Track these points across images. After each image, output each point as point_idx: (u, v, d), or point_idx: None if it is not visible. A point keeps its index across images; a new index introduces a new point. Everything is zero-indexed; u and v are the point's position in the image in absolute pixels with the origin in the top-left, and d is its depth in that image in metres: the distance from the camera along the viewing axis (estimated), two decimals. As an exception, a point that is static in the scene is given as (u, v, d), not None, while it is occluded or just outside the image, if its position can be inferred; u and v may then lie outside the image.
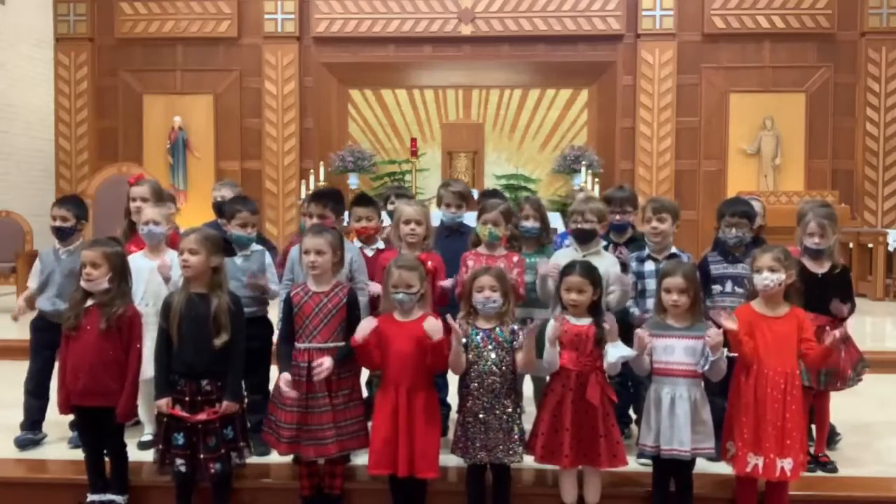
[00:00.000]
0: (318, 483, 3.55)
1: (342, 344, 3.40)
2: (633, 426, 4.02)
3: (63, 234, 4.21)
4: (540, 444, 3.36)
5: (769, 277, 3.30)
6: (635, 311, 3.84)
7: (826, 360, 3.40)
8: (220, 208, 4.49)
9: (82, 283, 3.44)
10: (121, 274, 3.49)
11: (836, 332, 3.28)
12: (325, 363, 3.32)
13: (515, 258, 3.86)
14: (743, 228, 3.89)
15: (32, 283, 4.22)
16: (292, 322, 3.44)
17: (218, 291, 3.38)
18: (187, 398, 3.33)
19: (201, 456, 3.31)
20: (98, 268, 3.42)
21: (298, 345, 3.42)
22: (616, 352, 3.27)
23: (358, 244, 4.13)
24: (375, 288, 3.77)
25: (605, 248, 4.07)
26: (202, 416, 3.29)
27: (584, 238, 3.87)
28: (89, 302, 3.46)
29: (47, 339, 4.05)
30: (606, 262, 3.75)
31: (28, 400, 4.18)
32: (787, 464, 3.24)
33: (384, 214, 4.47)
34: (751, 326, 3.33)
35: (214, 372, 3.35)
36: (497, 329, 3.35)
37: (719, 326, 3.40)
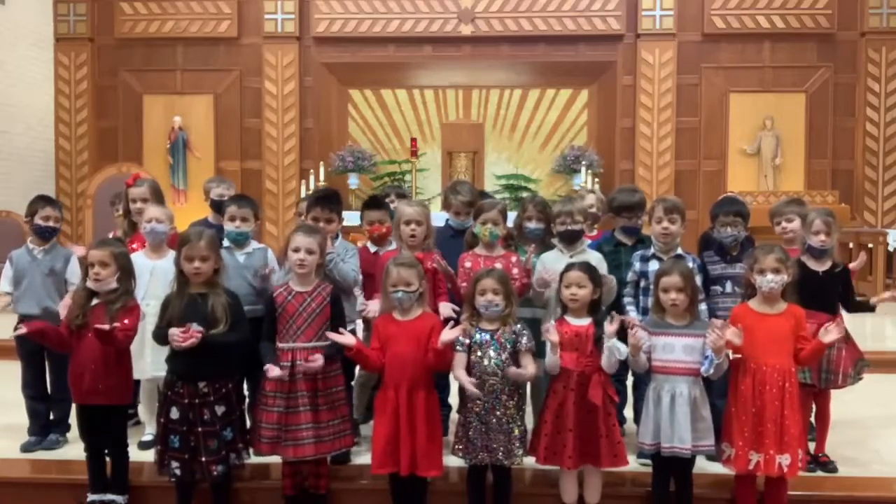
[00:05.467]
0: (301, 483, 3.53)
1: (327, 343, 3.39)
2: (628, 426, 4.03)
3: (50, 234, 4.19)
4: (543, 445, 3.37)
5: (774, 279, 3.31)
6: (633, 310, 3.83)
7: (817, 357, 3.40)
8: (219, 206, 4.49)
9: (90, 284, 3.45)
10: (127, 274, 3.52)
11: (835, 330, 3.29)
12: (318, 360, 3.32)
13: (514, 258, 3.85)
14: (738, 227, 3.91)
15: (6, 286, 4.16)
16: (274, 321, 3.44)
17: (217, 289, 3.40)
18: (186, 400, 3.33)
19: (203, 459, 3.32)
20: (107, 267, 3.43)
21: (282, 344, 3.41)
22: (610, 348, 3.27)
23: (373, 249, 4.11)
24: (374, 307, 3.72)
25: (616, 249, 4.11)
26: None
27: (571, 239, 3.87)
28: (94, 301, 3.46)
29: (35, 345, 4.02)
30: (593, 261, 3.75)
31: (31, 404, 4.18)
32: (784, 460, 3.25)
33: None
34: (748, 325, 3.34)
35: (211, 374, 3.35)
36: (500, 331, 3.35)
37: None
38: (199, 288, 3.39)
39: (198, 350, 3.25)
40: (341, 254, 3.80)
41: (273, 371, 3.31)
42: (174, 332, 3.23)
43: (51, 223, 4.19)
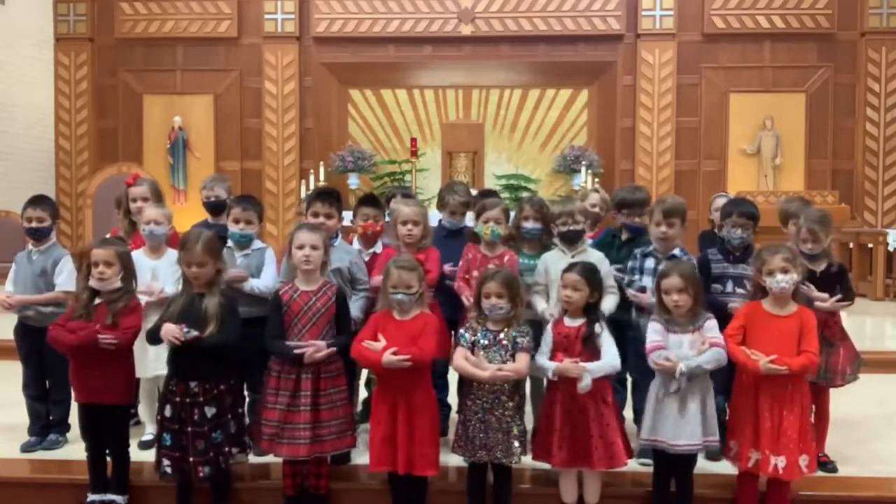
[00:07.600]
0: (301, 483, 3.53)
1: (331, 342, 3.40)
2: (627, 426, 4.02)
3: (41, 235, 4.15)
4: (536, 442, 3.42)
5: (784, 279, 3.30)
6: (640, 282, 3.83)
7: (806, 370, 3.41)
8: (214, 207, 4.49)
9: (93, 283, 3.46)
10: (129, 273, 3.54)
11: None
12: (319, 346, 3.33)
13: (507, 257, 3.86)
14: (748, 230, 3.91)
15: (10, 287, 4.15)
16: (281, 319, 3.44)
17: (214, 289, 3.40)
18: (178, 399, 3.33)
19: (190, 459, 3.31)
20: (111, 267, 3.45)
21: (287, 342, 3.40)
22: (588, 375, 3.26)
23: (357, 246, 4.13)
24: (375, 281, 3.75)
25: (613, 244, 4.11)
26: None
27: (573, 239, 3.87)
28: (97, 301, 3.48)
29: (33, 345, 4.05)
30: (594, 261, 3.74)
31: (32, 404, 4.18)
32: (780, 462, 3.24)
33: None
34: (757, 324, 3.34)
35: (202, 374, 3.34)
36: (503, 332, 3.36)
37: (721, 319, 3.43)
38: (200, 288, 3.40)
39: (190, 350, 3.26)
40: (343, 260, 3.80)
41: (320, 350, 3.31)
42: (171, 328, 3.24)
43: (33, 224, 4.14)
